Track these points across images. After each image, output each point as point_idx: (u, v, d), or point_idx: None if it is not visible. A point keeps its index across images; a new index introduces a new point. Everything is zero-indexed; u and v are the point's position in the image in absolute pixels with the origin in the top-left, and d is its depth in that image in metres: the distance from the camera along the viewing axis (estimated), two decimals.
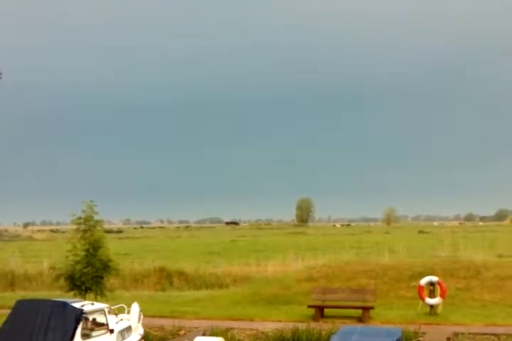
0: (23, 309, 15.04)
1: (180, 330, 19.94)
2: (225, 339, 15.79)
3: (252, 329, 19.84)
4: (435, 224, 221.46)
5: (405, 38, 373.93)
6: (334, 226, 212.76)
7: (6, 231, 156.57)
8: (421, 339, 17.87)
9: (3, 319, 15.13)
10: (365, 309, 21.23)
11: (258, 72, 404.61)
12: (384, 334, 13.65)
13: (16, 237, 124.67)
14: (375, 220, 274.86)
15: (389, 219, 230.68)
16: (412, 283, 24.37)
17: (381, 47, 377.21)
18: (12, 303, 15.90)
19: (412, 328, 18.39)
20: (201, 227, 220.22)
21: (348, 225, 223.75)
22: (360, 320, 20.92)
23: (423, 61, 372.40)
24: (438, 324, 20.22)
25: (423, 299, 22.09)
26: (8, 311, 15.58)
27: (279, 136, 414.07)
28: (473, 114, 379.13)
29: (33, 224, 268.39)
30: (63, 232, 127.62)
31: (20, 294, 29.62)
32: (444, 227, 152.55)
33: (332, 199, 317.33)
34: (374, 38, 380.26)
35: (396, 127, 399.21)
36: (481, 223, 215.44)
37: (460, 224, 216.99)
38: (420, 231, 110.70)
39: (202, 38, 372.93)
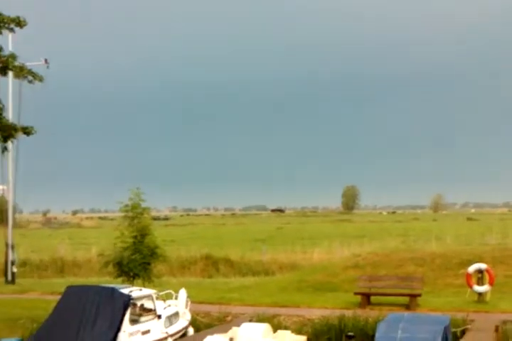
0: (73, 295, 15.32)
1: (227, 316, 20.03)
2: (272, 325, 15.84)
3: (298, 316, 19.82)
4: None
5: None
6: (380, 213, 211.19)
7: (55, 218, 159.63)
8: (469, 326, 17.66)
9: (54, 304, 15.45)
10: (413, 296, 21.05)
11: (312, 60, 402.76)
12: (432, 321, 13.52)
13: (65, 224, 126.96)
14: (422, 207, 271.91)
15: (436, 207, 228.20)
16: (461, 271, 24.09)
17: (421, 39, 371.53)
18: (62, 289, 16.23)
19: (460, 316, 18.19)
20: (247, 214, 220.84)
21: (394, 213, 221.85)
22: (407, 307, 20.74)
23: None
24: (486, 312, 19.93)
25: (471, 286, 21.82)
26: (59, 297, 15.90)
27: (324, 124, 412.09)
28: None
29: (82, 211, 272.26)
30: (111, 220, 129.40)
31: (70, 280, 30.15)
32: (492, 214, 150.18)
33: (379, 186, 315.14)
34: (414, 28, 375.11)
35: (444, 114, 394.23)
36: None
37: (509, 211, 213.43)
38: (469, 219, 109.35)
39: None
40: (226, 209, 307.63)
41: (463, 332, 17.29)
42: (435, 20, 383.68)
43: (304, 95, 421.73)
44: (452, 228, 58.12)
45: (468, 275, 21.92)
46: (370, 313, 19.14)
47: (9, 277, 29.26)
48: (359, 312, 19.35)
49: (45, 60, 28.29)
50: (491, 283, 21.62)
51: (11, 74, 18.97)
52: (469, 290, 21.90)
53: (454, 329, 15.98)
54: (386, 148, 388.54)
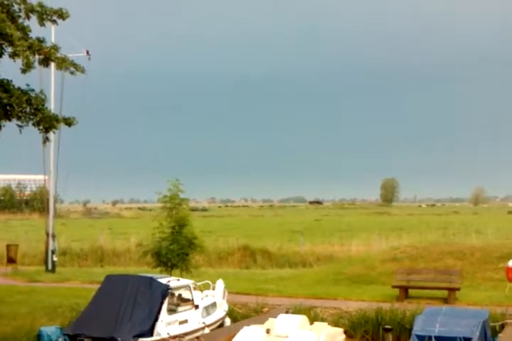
0: (112, 284, 15.53)
1: (264, 308, 20.09)
2: (308, 317, 15.82)
3: (335, 308, 19.81)
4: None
5: None
6: (420, 206, 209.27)
7: (95, 208, 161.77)
8: (508, 321, 17.47)
9: (93, 293, 15.67)
10: (451, 290, 20.86)
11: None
12: (470, 315, 13.42)
13: (105, 214, 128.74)
14: (462, 201, 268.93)
15: (477, 200, 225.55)
16: (500, 265, 23.78)
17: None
18: (101, 278, 16.45)
19: (499, 310, 17.98)
20: (284, 206, 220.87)
21: (433, 205, 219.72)
22: (445, 301, 20.57)
23: None
24: None
25: (511, 281, 21.55)
26: (98, 286, 16.11)
27: (362, 116, 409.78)
28: None
29: (122, 202, 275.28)
30: (150, 210, 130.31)
31: (109, 269, 30.46)
32: None
33: (418, 179, 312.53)
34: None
35: (485, 105, 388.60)
36: None
37: None
38: (510, 212, 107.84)
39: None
40: (264, 201, 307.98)
41: (502, 327, 17.11)
42: None
43: (343, 89, 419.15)
44: (493, 222, 57.34)
45: (508, 269, 21.65)
46: (407, 306, 19.04)
47: (49, 266, 29.67)
48: (397, 305, 19.26)
49: (87, 52, 28.56)
50: None
51: (53, 65, 19.13)
52: (509, 284, 21.65)
53: (492, 324, 15.81)
54: (426, 140, 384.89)
